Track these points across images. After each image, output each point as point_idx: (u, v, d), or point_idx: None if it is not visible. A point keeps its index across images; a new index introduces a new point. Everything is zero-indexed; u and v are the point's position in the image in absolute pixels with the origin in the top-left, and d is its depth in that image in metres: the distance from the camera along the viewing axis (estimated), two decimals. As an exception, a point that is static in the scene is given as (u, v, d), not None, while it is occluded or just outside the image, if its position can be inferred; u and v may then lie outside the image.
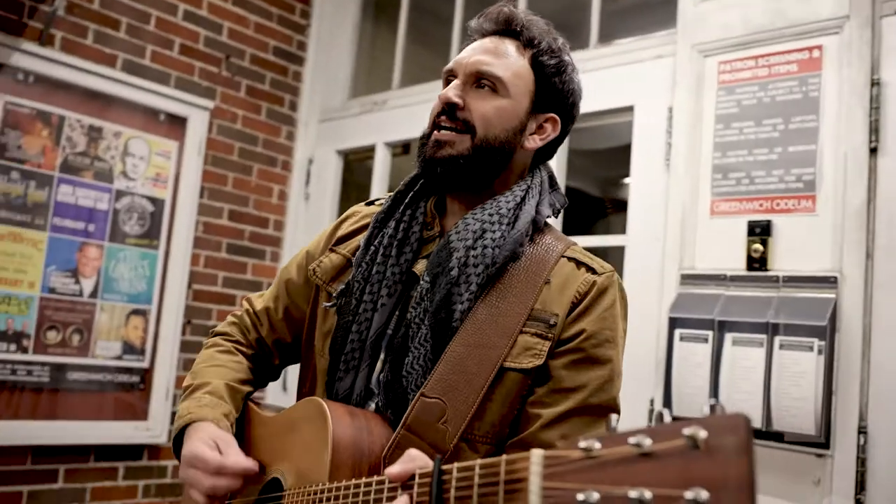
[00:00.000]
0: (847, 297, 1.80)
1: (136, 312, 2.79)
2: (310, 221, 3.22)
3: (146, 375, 2.81)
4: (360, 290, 1.16)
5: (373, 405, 1.13)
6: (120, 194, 2.73)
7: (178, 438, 1.15)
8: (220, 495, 1.08)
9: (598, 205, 3.84)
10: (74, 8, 2.63)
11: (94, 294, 2.69)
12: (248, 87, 3.15)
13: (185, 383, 1.27)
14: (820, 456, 1.79)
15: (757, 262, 1.93)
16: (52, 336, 2.60)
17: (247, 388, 1.28)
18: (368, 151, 3.12)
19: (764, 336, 1.84)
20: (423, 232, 1.18)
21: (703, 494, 0.52)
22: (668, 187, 2.14)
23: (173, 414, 2.82)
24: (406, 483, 0.84)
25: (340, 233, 1.30)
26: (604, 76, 2.38)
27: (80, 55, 2.64)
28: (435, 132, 1.14)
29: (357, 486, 0.91)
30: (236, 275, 3.10)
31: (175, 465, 2.90)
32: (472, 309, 1.08)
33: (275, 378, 1.40)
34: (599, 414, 1.06)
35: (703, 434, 0.54)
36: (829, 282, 1.82)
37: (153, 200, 2.82)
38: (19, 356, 2.53)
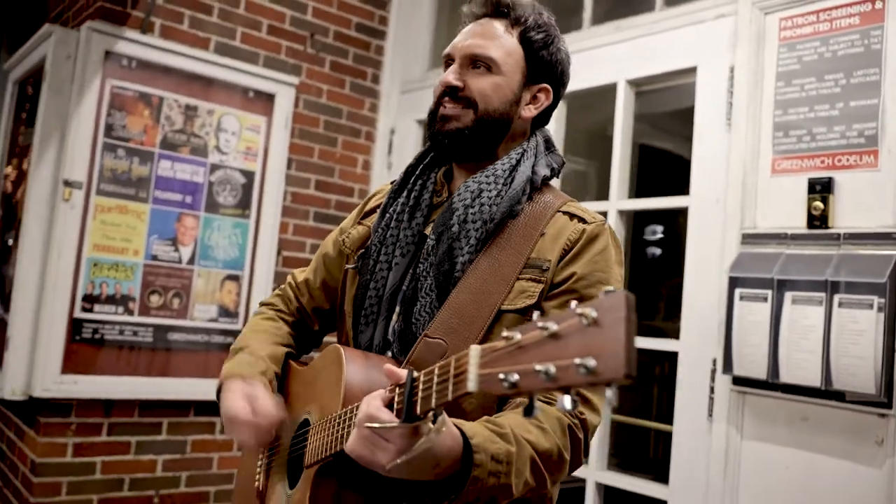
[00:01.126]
0: (909, 254, 1.81)
1: (229, 278, 3.07)
2: (392, 190, 3.41)
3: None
4: (377, 252, 1.33)
5: (390, 354, 1.28)
6: (214, 167, 3.01)
7: (218, 396, 1.35)
8: (262, 444, 1.28)
9: (682, 163, 3.85)
10: (172, -5, 2.92)
11: (191, 261, 2.98)
12: (332, 63, 3.37)
13: (231, 348, 1.46)
14: (882, 416, 1.81)
15: (818, 220, 1.96)
16: (155, 300, 2.91)
17: (286, 350, 1.45)
18: (448, 122, 3.27)
19: (823, 294, 1.87)
20: (433, 198, 1.33)
21: (591, 362, 0.66)
22: (730, 147, 2.18)
23: (265, 373, 3.12)
24: (391, 389, 0.99)
25: (367, 208, 1.47)
26: (669, 38, 2.44)
27: (177, 40, 2.93)
28: (441, 108, 1.29)
29: (353, 408, 1.07)
30: (296, 271, 3.34)
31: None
32: (473, 261, 1.22)
33: (317, 345, 1.58)
34: None
35: (593, 313, 0.67)
36: (891, 238, 1.83)
37: (244, 173, 3.09)
38: (126, 318, 2.85)
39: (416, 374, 0.94)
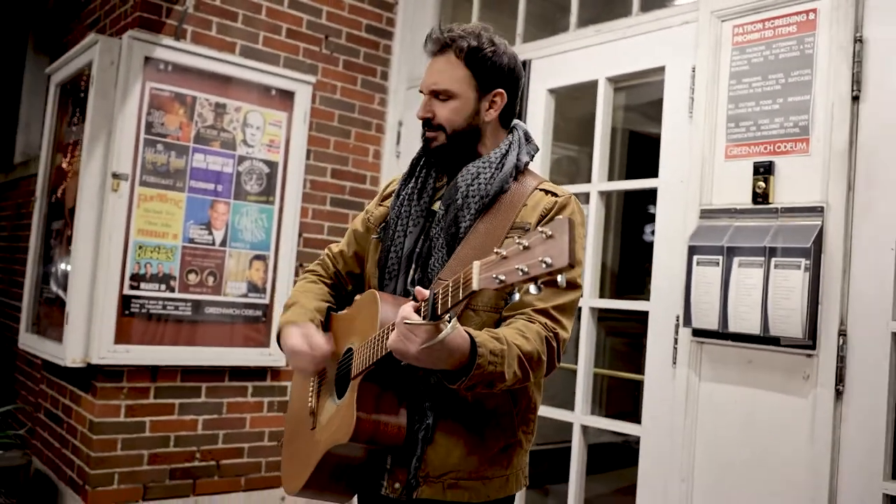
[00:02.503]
0: (832, 223, 2.26)
1: (257, 258, 3.54)
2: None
3: (267, 310, 3.58)
4: (395, 224, 1.78)
5: (412, 298, 1.74)
6: (241, 159, 3.48)
7: (278, 340, 1.82)
8: (317, 370, 1.76)
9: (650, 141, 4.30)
10: (201, 5, 3.37)
11: (223, 243, 3.45)
12: (345, 62, 3.83)
13: (284, 304, 1.92)
14: (808, 356, 2.28)
15: (760, 197, 2.42)
16: (192, 278, 3.39)
17: (327, 304, 1.91)
18: (450, 114, 3.73)
19: (763, 258, 2.33)
20: (435, 183, 1.79)
21: (549, 259, 1.12)
22: (691, 136, 2.64)
23: (290, 342, 3.59)
24: (416, 304, 1.43)
25: (385, 192, 1.94)
26: (642, 41, 2.89)
27: (207, 45, 3.39)
28: (425, 132, 1.75)
29: (390, 326, 1.50)
30: (339, 224, 3.82)
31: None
32: (472, 226, 1.67)
33: (349, 303, 2.00)
34: (566, 286, 1.63)
35: (549, 231, 1.14)
36: (817, 211, 2.29)
37: (268, 163, 3.55)
38: (168, 294, 3.33)
39: (436, 290, 1.38)
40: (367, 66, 3.92)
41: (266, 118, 3.54)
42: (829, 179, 2.29)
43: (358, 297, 1.84)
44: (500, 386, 1.50)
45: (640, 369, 2.81)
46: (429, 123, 1.74)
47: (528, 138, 1.83)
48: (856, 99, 2.27)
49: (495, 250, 1.23)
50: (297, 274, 3.65)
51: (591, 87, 3.07)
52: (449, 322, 1.37)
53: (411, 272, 1.74)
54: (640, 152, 4.10)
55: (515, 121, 1.84)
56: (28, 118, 5.42)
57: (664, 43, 2.81)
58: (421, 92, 1.78)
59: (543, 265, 1.13)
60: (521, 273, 1.16)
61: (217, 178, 3.43)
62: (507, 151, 1.75)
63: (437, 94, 1.72)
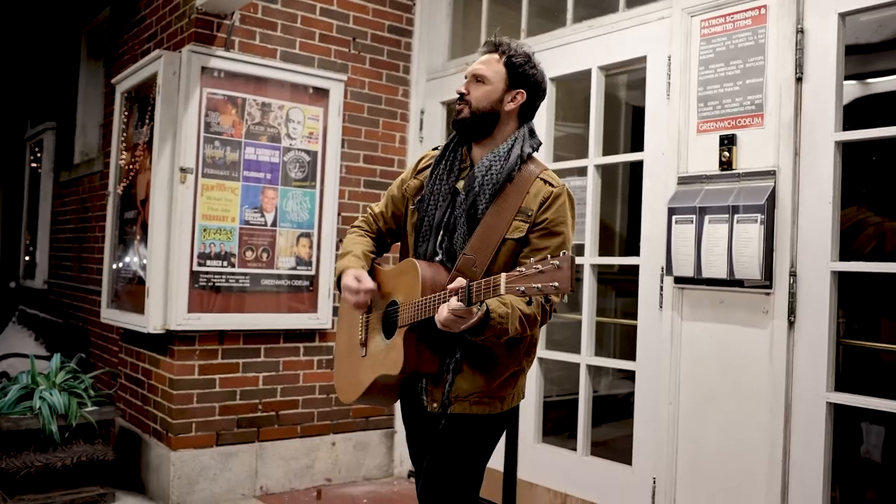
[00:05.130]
0: (782, 184, 2.75)
1: (303, 235, 4.10)
2: (424, 160, 4.42)
3: (314, 280, 4.14)
4: (429, 198, 2.26)
5: (437, 259, 2.22)
6: (286, 150, 4.03)
7: (338, 281, 2.34)
8: (363, 305, 2.28)
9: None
10: (245, 18, 3.91)
11: (273, 224, 4.01)
12: (371, 60, 4.37)
13: (339, 252, 2.44)
14: (767, 294, 2.78)
15: (725, 164, 2.91)
16: (249, 255, 3.95)
17: (373, 255, 2.42)
18: (465, 101, 4.25)
19: (727, 215, 2.83)
20: (460, 165, 2.26)
21: (555, 284, 1.65)
22: (669, 115, 3.13)
23: (334, 307, 4.16)
24: (455, 291, 1.94)
25: (420, 166, 2.41)
26: (627, 34, 3.38)
27: (252, 52, 3.93)
28: (457, 105, 2.24)
29: (434, 297, 2.02)
30: (372, 203, 4.33)
31: (339, 345, 4.23)
32: (487, 209, 2.15)
33: (387, 250, 2.53)
34: None
35: (557, 262, 1.66)
36: (770, 174, 2.78)
37: (309, 153, 4.10)
38: (229, 269, 3.89)
39: (471, 283, 1.86)
40: (391, 62, 4.45)
41: (305, 113, 4.09)
42: (779, 147, 2.77)
43: (399, 262, 2.35)
44: (506, 337, 2.03)
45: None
46: (462, 98, 2.21)
47: (532, 133, 2.27)
48: (799, 80, 2.75)
49: (518, 269, 1.76)
50: (337, 248, 4.20)
51: (586, 74, 3.57)
52: (481, 306, 1.92)
53: (439, 238, 2.23)
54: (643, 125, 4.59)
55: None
56: (84, 121, 5.97)
57: (645, 36, 3.31)
58: (465, 76, 2.25)
59: (552, 287, 1.67)
60: (536, 289, 1.69)
61: (266, 168, 3.97)
62: (513, 145, 2.20)
63: (477, 78, 2.20)
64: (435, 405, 2.16)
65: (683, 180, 3.05)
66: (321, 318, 4.15)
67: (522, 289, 1.71)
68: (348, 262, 2.33)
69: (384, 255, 2.53)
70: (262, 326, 3.99)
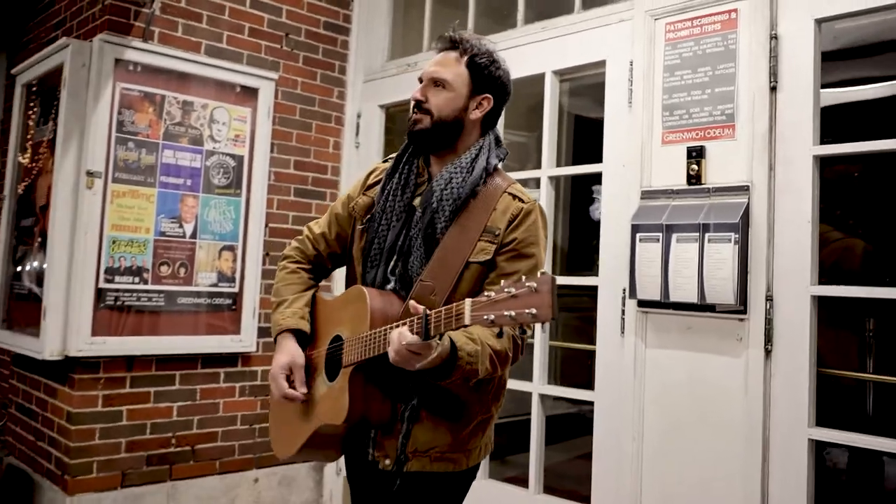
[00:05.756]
0: (756, 200, 2.56)
1: (226, 248, 3.73)
2: (360, 165, 4.12)
3: (237, 298, 3.77)
4: (380, 218, 1.97)
5: (388, 287, 1.92)
6: (209, 154, 3.66)
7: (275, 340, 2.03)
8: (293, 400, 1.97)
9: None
10: (167, 7, 3.54)
11: (193, 235, 3.63)
12: (305, 58, 4.05)
13: (271, 300, 2.11)
14: (741, 320, 2.57)
15: (694, 178, 2.71)
16: (165, 270, 3.56)
17: (311, 291, 2.12)
18: (405, 105, 3.97)
19: (697, 234, 2.62)
20: (417, 179, 1.98)
21: (534, 311, 1.36)
22: (631, 124, 2.92)
23: (259, 328, 3.80)
24: (411, 321, 1.65)
25: (369, 182, 2.11)
26: (584, 37, 3.16)
27: (173, 45, 3.56)
28: (413, 115, 1.96)
29: (384, 329, 1.72)
30: (303, 214, 4.04)
31: (262, 369, 3.88)
32: (448, 228, 1.87)
33: (327, 276, 2.24)
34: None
35: (534, 285, 1.37)
36: (744, 190, 2.59)
37: (234, 157, 3.74)
38: (141, 286, 3.50)
39: (429, 311, 1.58)
40: (326, 61, 4.13)
41: (231, 114, 3.73)
42: (752, 161, 2.58)
43: (341, 294, 2.05)
44: (474, 379, 1.75)
45: (592, 341, 3.10)
46: (419, 106, 1.93)
47: (498, 142, 2.02)
48: (773, 89, 2.57)
49: (485, 293, 1.46)
50: (263, 263, 3.85)
51: (538, 79, 3.33)
52: (441, 339, 1.62)
53: (392, 263, 1.94)
54: (584, 135, 4.39)
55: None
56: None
57: (604, 39, 3.09)
58: (419, 81, 1.98)
59: (529, 315, 1.38)
60: (509, 318, 1.41)
61: (186, 173, 3.60)
62: (477, 155, 1.93)
63: (436, 82, 1.93)
64: (388, 461, 1.86)
65: (647, 195, 2.83)
66: (245, 341, 3.79)
67: (492, 317, 1.43)
68: (282, 319, 2.04)
69: (321, 280, 2.22)
70: (177, 350, 3.60)
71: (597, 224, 3.11)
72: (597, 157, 3.11)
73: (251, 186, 3.80)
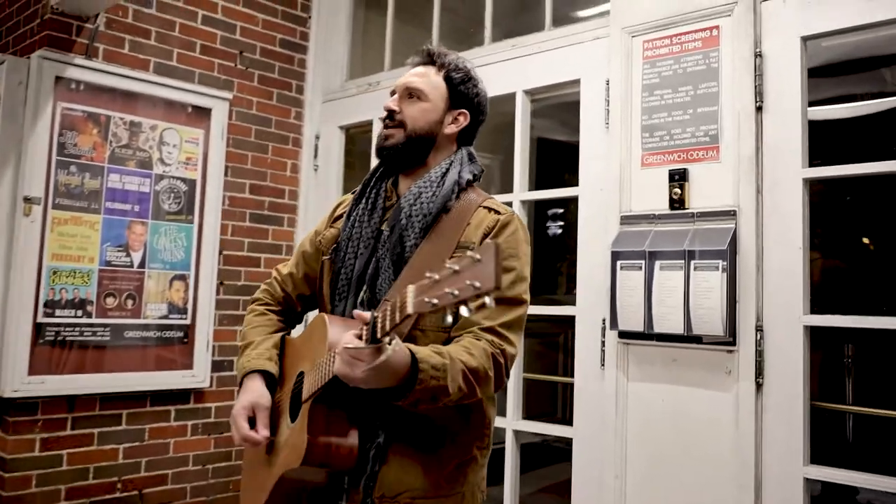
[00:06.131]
0: (744, 226, 2.44)
1: (177, 278, 3.50)
2: (319, 189, 3.93)
3: (189, 330, 3.53)
4: (346, 246, 1.82)
5: None
6: (158, 178, 3.43)
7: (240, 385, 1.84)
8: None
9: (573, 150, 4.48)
10: (112, 23, 3.31)
11: (142, 264, 3.39)
12: (260, 77, 3.84)
13: (239, 344, 1.94)
14: (729, 351, 2.44)
15: (677, 203, 2.58)
16: (111, 301, 3.31)
17: (280, 334, 1.94)
18: (366, 125, 3.80)
19: (682, 261, 2.49)
20: (385, 202, 1.83)
21: (477, 283, 1.17)
22: (609, 145, 2.78)
23: (213, 362, 3.57)
24: (359, 329, 1.46)
25: (336, 214, 1.97)
26: (557, 55, 3.03)
27: (119, 63, 3.33)
28: (383, 129, 1.83)
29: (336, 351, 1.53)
30: (259, 240, 3.82)
31: (216, 405, 3.64)
32: (418, 246, 1.71)
33: (300, 322, 2.06)
34: (512, 303, 1.69)
35: (477, 255, 1.19)
36: (730, 214, 2.46)
37: (186, 181, 3.52)
38: (85, 320, 3.24)
39: (375, 313, 1.42)
40: (283, 80, 3.93)
41: (182, 136, 3.51)
42: (739, 184, 2.46)
43: (311, 318, 1.87)
44: (445, 400, 1.53)
45: (556, 369, 2.94)
46: (392, 117, 1.80)
47: (471, 158, 1.88)
48: (759, 109, 2.46)
49: (427, 274, 1.27)
50: (217, 292, 3.63)
51: (506, 99, 3.19)
52: (390, 343, 1.41)
53: (361, 293, 1.77)
54: (548, 158, 4.27)
55: None
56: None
57: (578, 57, 2.96)
58: (393, 93, 1.85)
59: (471, 289, 1.18)
60: (452, 296, 1.20)
61: (134, 199, 3.37)
62: (448, 169, 1.80)
63: (411, 93, 1.81)
64: None
65: (627, 220, 2.69)
66: (197, 376, 3.55)
67: (435, 301, 1.23)
68: (248, 362, 1.86)
69: (295, 327, 2.04)
70: (124, 387, 3.35)
71: (557, 245, 2.97)
72: (559, 181, 2.97)
73: (204, 212, 3.57)
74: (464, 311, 1.21)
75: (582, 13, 3.17)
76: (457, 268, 1.22)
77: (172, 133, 3.48)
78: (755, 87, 2.46)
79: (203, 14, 3.61)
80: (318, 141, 3.98)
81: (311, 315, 1.95)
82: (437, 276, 1.25)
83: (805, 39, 2.42)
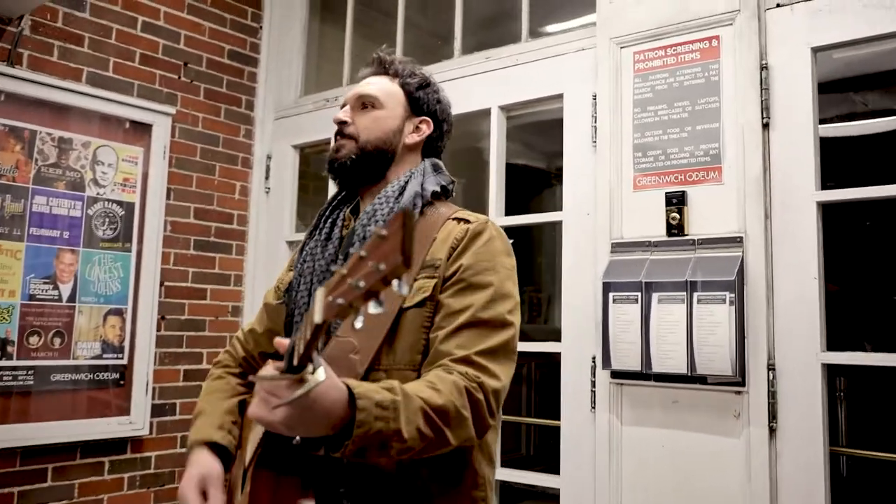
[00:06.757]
0: (751, 254, 2.21)
1: (112, 312, 3.13)
2: (271, 213, 3.60)
3: (125, 372, 3.16)
4: (297, 283, 1.57)
5: None
6: (92, 201, 3.07)
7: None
8: None
9: (543, 176, 4.26)
10: (39, 27, 2.96)
11: (72, 298, 3.02)
12: (207, 91, 3.50)
13: (193, 415, 1.64)
14: (738, 392, 2.20)
15: (675, 229, 2.35)
16: (35, 341, 2.93)
17: (238, 398, 1.65)
18: (323, 144, 3.50)
19: (684, 293, 2.25)
20: (342, 232, 1.58)
21: (382, 265, 0.89)
22: (596, 166, 2.54)
23: (153, 406, 3.20)
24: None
25: (296, 257, 1.70)
26: (535, 68, 2.79)
27: (47, 71, 2.98)
28: (334, 142, 1.61)
29: None
30: (205, 269, 3.46)
31: (157, 454, 3.26)
32: None
33: None
34: (491, 326, 1.40)
35: (383, 231, 0.90)
36: (736, 241, 2.24)
37: (123, 205, 3.16)
38: (4, 362, 2.85)
39: (294, 336, 1.11)
40: (231, 94, 3.60)
41: (119, 154, 3.16)
42: (745, 208, 2.24)
43: None
44: (400, 447, 1.21)
45: (519, 406, 2.67)
46: (342, 129, 1.61)
47: (437, 169, 1.64)
48: (766, 126, 2.25)
49: (333, 268, 1.04)
50: (158, 328, 3.27)
51: (479, 116, 2.94)
52: (314, 372, 1.10)
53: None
54: (511, 182, 4.04)
55: None
56: None
57: (561, 70, 2.72)
58: (343, 106, 1.64)
59: (377, 273, 0.90)
60: (357, 289, 0.92)
61: (63, 224, 3.00)
62: (408, 181, 1.56)
63: (363, 102, 1.61)
64: None
65: (619, 247, 2.45)
66: (135, 422, 3.17)
67: (340, 300, 0.95)
68: (197, 433, 1.57)
69: None
70: (50, 438, 2.95)
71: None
72: (523, 207, 2.72)
73: (143, 239, 3.21)
74: (372, 307, 0.93)
75: (565, 24, 2.94)
76: (363, 253, 0.93)
77: (108, 151, 3.12)
78: (761, 101, 2.24)
79: (144, 20, 3.28)
80: (269, 161, 3.66)
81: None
82: (344, 270, 0.96)
83: (815, 51, 2.22)
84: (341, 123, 1.61)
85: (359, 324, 0.96)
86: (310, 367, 1.09)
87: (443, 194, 1.60)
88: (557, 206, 2.72)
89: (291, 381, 1.09)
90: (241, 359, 1.74)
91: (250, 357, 1.73)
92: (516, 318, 1.47)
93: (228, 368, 1.73)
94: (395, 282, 0.90)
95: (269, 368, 1.14)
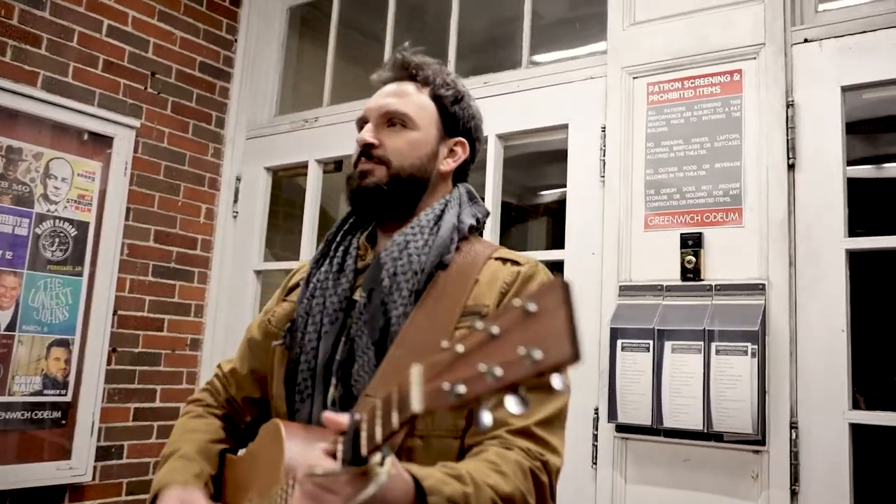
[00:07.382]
0: (774, 303, 2.07)
1: (57, 343, 2.84)
2: (238, 240, 3.35)
3: (69, 410, 2.86)
4: (304, 323, 1.33)
5: None
6: (40, 218, 2.79)
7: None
8: None
9: (523, 211, 4.11)
10: (-8, 24, 2.70)
11: (11, 326, 2.72)
12: (175, 104, 3.26)
13: (161, 454, 1.38)
14: (757, 452, 2.04)
15: (691, 273, 2.19)
16: (-33, 371, 2.63)
17: (221, 446, 1.40)
18: (299, 168, 3.28)
19: (701, 343, 2.09)
20: (356, 263, 1.36)
21: (537, 352, 0.68)
22: (604, 203, 2.38)
23: (98, 449, 2.90)
24: (331, 442, 0.97)
25: (290, 284, 1.49)
26: (538, 95, 2.63)
27: (-2, 73, 2.71)
28: (359, 164, 1.36)
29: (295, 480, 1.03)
30: (164, 298, 3.19)
31: (100, 503, 2.95)
32: (408, 314, 1.23)
33: (252, 438, 1.43)
34: (548, 390, 1.19)
35: (531, 304, 0.70)
36: (758, 288, 2.09)
37: (76, 224, 2.89)
38: (-69, 393, 2.55)
39: (357, 415, 0.92)
40: (201, 110, 3.36)
41: (75, 168, 2.89)
42: (768, 253, 2.10)
43: (263, 427, 1.32)
44: None
45: None
46: (369, 153, 1.35)
47: (472, 197, 1.44)
48: (791, 167, 2.12)
49: (444, 344, 0.80)
50: (109, 361, 2.98)
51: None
52: (382, 464, 0.91)
53: (331, 388, 1.27)
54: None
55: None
56: None
57: (567, 99, 2.57)
58: (362, 122, 1.40)
59: (528, 362, 0.69)
60: (491, 378, 0.72)
61: (6, 243, 2.71)
62: (444, 211, 1.35)
63: (391, 119, 1.36)
64: None
65: (628, 291, 2.28)
66: (76, 467, 2.86)
67: (461, 389, 0.74)
68: (168, 475, 1.29)
69: (246, 445, 1.47)
70: (-23, 485, 2.64)
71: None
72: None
73: (97, 262, 2.93)
74: (513, 404, 0.72)
75: (571, 52, 2.80)
76: (495, 330, 0.73)
77: (62, 164, 2.85)
78: (787, 141, 2.12)
79: (109, 24, 3.03)
80: (239, 183, 3.42)
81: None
82: (460, 348, 0.76)
83: (845, 90, 2.10)
84: (367, 145, 1.36)
85: (487, 420, 0.75)
86: (376, 457, 0.89)
87: (477, 227, 1.40)
88: (541, 242, 2.56)
89: (355, 475, 0.90)
90: (223, 401, 1.49)
91: (233, 401, 1.48)
92: (569, 380, 1.27)
93: (210, 408, 1.47)
94: (556, 379, 0.69)
95: (320, 456, 0.93)
